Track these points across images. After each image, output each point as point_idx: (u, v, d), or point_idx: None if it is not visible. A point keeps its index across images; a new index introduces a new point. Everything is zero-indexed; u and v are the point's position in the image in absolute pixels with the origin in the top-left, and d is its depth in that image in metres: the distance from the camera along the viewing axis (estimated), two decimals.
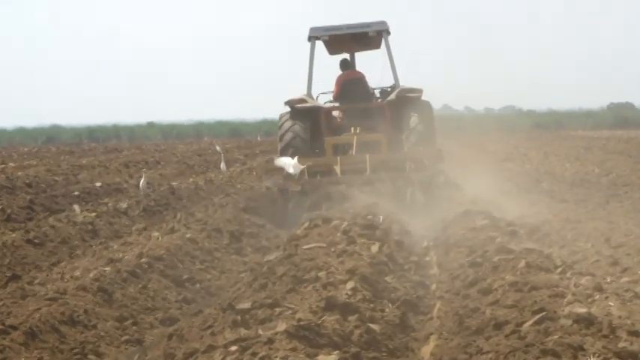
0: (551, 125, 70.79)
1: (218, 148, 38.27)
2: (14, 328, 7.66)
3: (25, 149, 50.77)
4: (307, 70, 18.47)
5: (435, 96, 20.25)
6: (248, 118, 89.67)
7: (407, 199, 15.88)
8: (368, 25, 18.36)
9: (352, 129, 17.47)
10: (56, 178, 23.78)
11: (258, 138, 66.36)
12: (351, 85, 18.88)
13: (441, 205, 15.41)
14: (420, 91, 17.99)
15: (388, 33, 18.44)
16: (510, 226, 12.12)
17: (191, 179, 23.98)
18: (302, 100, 17.88)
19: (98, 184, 21.78)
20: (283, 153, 17.39)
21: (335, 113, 19.02)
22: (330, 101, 19.17)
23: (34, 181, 22.46)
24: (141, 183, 20.24)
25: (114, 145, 56.33)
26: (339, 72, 19.18)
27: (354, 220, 12.40)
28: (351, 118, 18.24)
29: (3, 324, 7.70)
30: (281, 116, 18.04)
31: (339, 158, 16.79)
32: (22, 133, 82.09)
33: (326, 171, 16.93)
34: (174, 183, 22.03)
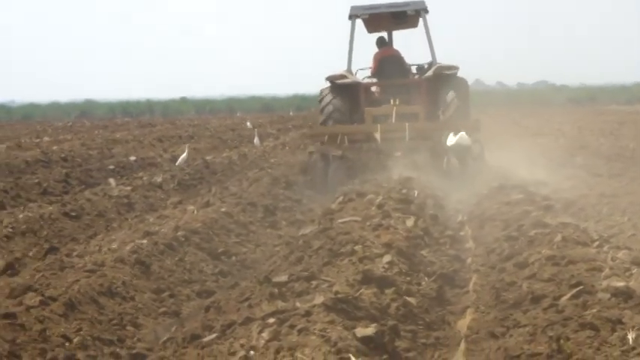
0: (584, 100, 70.26)
1: (249, 124, 38.47)
2: (54, 299, 7.71)
3: (60, 124, 51.11)
4: (347, 47, 19.07)
5: (467, 71, 21.33)
6: (280, 94, 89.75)
7: (443, 166, 16.49)
8: (407, 3, 19.05)
9: (392, 100, 18.10)
10: (91, 152, 23.94)
11: (291, 113, 66.41)
12: (388, 61, 19.57)
13: (476, 175, 15.98)
14: (456, 68, 18.49)
15: (426, 11, 19.03)
16: (546, 200, 12.08)
17: (225, 154, 24.02)
18: (342, 76, 18.59)
19: (132, 158, 21.91)
20: (324, 124, 18.30)
21: (373, 88, 19.63)
22: (368, 77, 19.80)
23: (69, 155, 22.64)
24: (180, 157, 20.87)
25: (147, 120, 56.53)
26: (369, 49, 19.70)
27: (388, 194, 12.40)
28: (389, 94, 18.81)
29: (43, 295, 7.76)
30: (322, 91, 18.80)
31: (379, 126, 17.27)
32: (55, 107, 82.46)
33: (365, 139, 17.50)
34: (208, 157, 22.08)
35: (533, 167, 17.69)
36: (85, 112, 79.58)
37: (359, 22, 19.38)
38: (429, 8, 19.10)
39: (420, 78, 19.28)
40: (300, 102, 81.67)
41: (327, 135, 17.80)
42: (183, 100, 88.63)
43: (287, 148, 26.72)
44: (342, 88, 18.62)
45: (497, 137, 24.11)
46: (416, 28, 20.18)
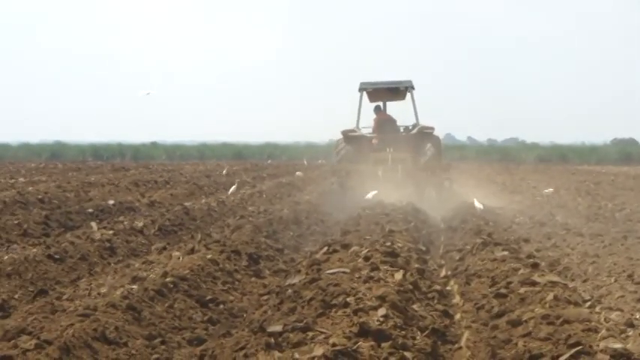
0: (554, 159, 70.75)
1: (225, 172, 38.60)
2: (49, 342, 7.63)
3: (32, 165, 50.72)
4: (357, 111, 27.11)
5: (439, 126, 27.68)
6: (250, 141, 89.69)
7: (424, 196, 24.04)
8: (399, 82, 27.13)
9: (387, 149, 25.82)
10: (67, 195, 23.71)
11: (269, 161, 65.86)
12: (385, 123, 27.47)
13: (448, 201, 23.19)
14: (433, 128, 26.87)
15: (413, 88, 26.97)
16: (531, 258, 12.14)
17: (203, 200, 23.93)
18: (353, 131, 26.82)
19: (111, 201, 21.70)
20: (339, 164, 26.34)
21: (374, 141, 26.71)
22: (370, 133, 27.28)
23: (45, 197, 22.42)
24: (232, 188, 27.02)
25: (120, 164, 56.26)
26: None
27: (373, 247, 12.43)
28: (384, 145, 26.17)
29: (38, 338, 7.68)
30: (337, 141, 27.27)
31: (380, 167, 25.27)
32: (25, 148, 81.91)
33: (371, 175, 24.88)
34: (186, 203, 21.96)
35: (514, 225, 17.82)
36: (55, 153, 79.10)
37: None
38: (414, 85, 26.90)
39: (407, 134, 27.02)
40: (272, 150, 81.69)
41: (344, 171, 25.42)
42: (154, 145, 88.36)
43: (264, 196, 26.69)
44: (352, 138, 26.69)
45: (473, 195, 24.19)
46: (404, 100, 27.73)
